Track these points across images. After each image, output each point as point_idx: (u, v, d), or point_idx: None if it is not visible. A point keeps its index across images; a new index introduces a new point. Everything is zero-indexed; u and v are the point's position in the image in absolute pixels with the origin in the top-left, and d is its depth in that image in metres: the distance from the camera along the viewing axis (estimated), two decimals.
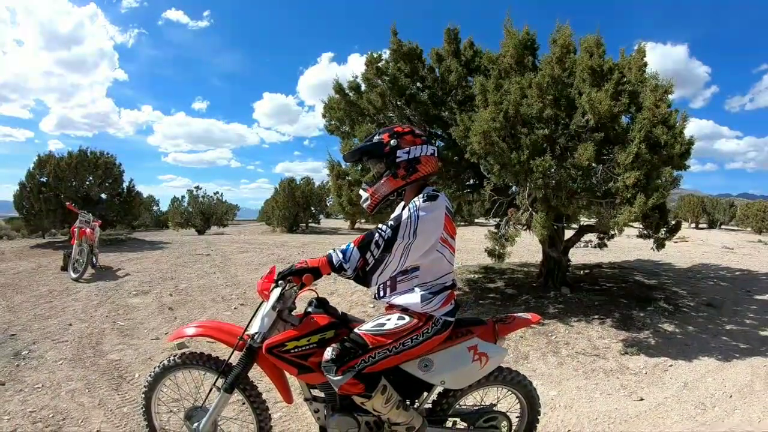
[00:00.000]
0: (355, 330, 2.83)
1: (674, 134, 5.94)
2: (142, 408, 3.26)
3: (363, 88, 8.21)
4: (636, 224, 7.63)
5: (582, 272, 10.24)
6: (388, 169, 2.90)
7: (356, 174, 7.92)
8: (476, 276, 9.94)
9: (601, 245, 9.20)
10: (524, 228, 6.93)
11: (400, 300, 2.87)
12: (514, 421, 3.35)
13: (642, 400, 4.71)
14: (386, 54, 8.16)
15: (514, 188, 7.26)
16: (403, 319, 2.81)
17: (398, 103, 7.82)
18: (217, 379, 3.04)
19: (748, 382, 5.12)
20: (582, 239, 8.40)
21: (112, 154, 16.58)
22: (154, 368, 3.20)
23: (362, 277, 2.73)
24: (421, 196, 2.79)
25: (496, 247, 7.09)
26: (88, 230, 10.13)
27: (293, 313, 3.00)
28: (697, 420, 4.28)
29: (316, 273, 2.72)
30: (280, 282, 2.81)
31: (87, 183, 15.86)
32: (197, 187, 27.79)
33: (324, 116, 8.52)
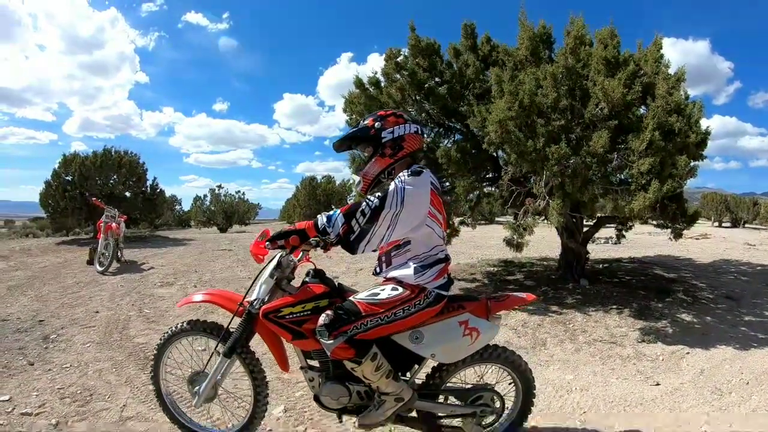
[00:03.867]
0: (350, 298, 2.94)
1: (689, 123, 5.95)
2: (150, 371, 3.50)
3: (383, 83, 8.29)
4: (653, 222, 7.64)
5: (601, 266, 10.20)
6: (375, 151, 3.04)
7: None
8: (496, 269, 9.98)
9: (620, 236, 9.16)
10: (542, 218, 6.96)
11: (394, 273, 2.98)
12: (509, 401, 3.40)
13: (658, 385, 4.71)
14: (405, 50, 8.26)
15: (531, 180, 7.31)
16: (397, 290, 2.91)
17: (417, 97, 7.91)
18: (217, 345, 3.20)
19: (765, 369, 5.08)
20: (602, 236, 8.37)
21: (135, 153, 16.82)
22: (164, 334, 3.42)
23: (347, 243, 2.81)
24: (406, 171, 2.89)
25: (515, 237, 7.12)
26: (113, 225, 10.32)
27: (292, 283, 3.16)
28: (713, 405, 4.27)
29: (302, 235, 2.84)
30: (268, 244, 2.93)
31: (111, 181, 16.10)
32: (219, 186, 28.03)
33: (345, 111, 8.62)
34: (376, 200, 2.77)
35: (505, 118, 6.15)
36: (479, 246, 14.44)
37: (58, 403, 4.08)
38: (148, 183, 17.26)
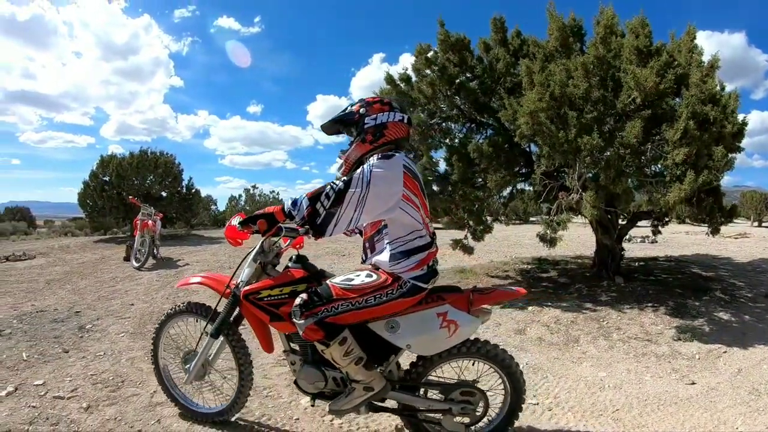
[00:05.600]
0: (326, 282, 2.97)
1: (725, 113, 5.82)
2: (150, 347, 3.84)
3: (413, 79, 8.34)
4: (690, 221, 7.47)
5: (637, 264, 10.03)
6: (358, 136, 3.04)
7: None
8: (529, 266, 9.94)
9: (655, 233, 8.98)
10: (576, 215, 6.88)
11: (375, 258, 2.99)
12: (496, 401, 3.31)
13: (694, 384, 4.59)
14: (436, 47, 8.26)
15: (564, 174, 7.24)
16: (371, 276, 2.91)
17: (448, 92, 7.90)
18: (206, 325, 3.40)
19: None
20: (638, 235, 8.20)
21: (171, 153, 17.13)
22: (163, 314, 3.69)
23: (313, 225, 2.81)
24: (377, 155, 2.90)
25: (548, 232, 7.04)
26: (150, 222, 10.54)
27: (277, 268, 3.32)
28: (750, 405, 4.13)
29: (270, 218, 2.90)
30: (238, 227, 3.02)
31: (148, 181, 16.41)
32: (254, 187, 28.37)
33: None
34: (340, 183, 2.78)
35: (536, 109, 6.10)
36: (513, 244, 14.41)
37: (90, 388, 4.18)
38: (184, 183, 17.58)
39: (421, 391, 3.20)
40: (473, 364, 3.33)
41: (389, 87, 8.32)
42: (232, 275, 3.34)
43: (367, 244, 3.10)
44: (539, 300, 7.17)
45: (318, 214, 2.77)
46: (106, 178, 15.95)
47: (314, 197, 2.78)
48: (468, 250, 8.75)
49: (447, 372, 3.33)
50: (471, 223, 8.44)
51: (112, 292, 7.79)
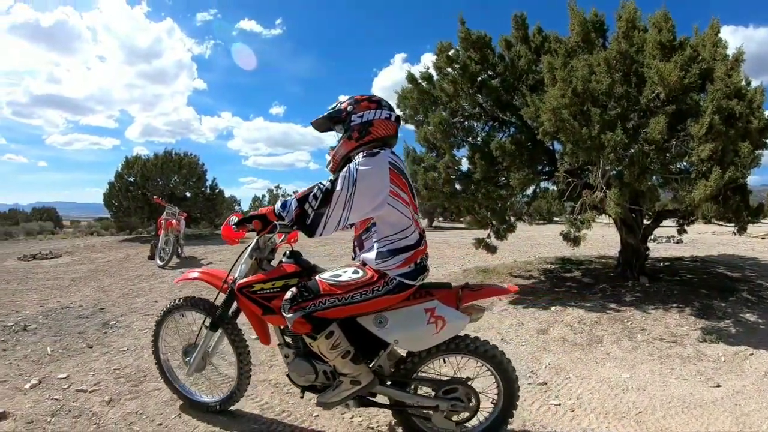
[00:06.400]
0: (315, 277, 3.00)
1: (750, 107, 5.72)
2: (151, 340, 4.02)
3: (435, 77, 8.33)
4: (716, 220, 7.37)
5: (662, 264, 9.90)
6: (345, 133, 3.06)
7: (431, 159, 8.02)
8: (553, 266, 9.85)
9: (681, 231, 8.85)
10: (600, 213, 6.81)
11: (363, 255, 3.02)
12: (489, 400, 3.28)
13: (719, 386, 4.49)
14: (457, 45, 8.25)
15: (588, 171, 7.17)
16: (358, 273, 2.93)
17: (470, 90, 7.86)
18: (205, 319, 3.53)
19: None
20: (663, 235, 8.09)
21: (195, 154, 17.31)
22: (163, 308, 3.83)
23: (303, 226, 2.88)
24: (362, 153, 2.91)
25: (572, 231, 6.98)
26: (174, 221, 10.67)
27: (272, 263, 3.41)
28: None
29: (263, 219, 3.00)
30: (234, 227, 3.13)
31: (172, 182, 16.60)
32: (277, 187, 28.69)
33: (398, 106, 8.65)
34: (327, 183, 2.84)
35: (558, 106, 6.05)
36: (536, 244, 14.35)
37: (112, 383, 4.26)
38: (208, 183, 17.76)
39: (412, 387, 3.21)
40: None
41: (411, 86, 8.32)
42: (229, 271, 3.44)
43: (355, 242, 3.14)
44: (563, 300, 7.11)
45: (307, 215, 2.84)
46: (131, 179, 16.21)
47: (302, 198, 2.86)
48: (491, 250, 8.71)
49: (443, 369, 3.34)
50: (494, 222, 8.40)
51: (136, 289, 7.91)
